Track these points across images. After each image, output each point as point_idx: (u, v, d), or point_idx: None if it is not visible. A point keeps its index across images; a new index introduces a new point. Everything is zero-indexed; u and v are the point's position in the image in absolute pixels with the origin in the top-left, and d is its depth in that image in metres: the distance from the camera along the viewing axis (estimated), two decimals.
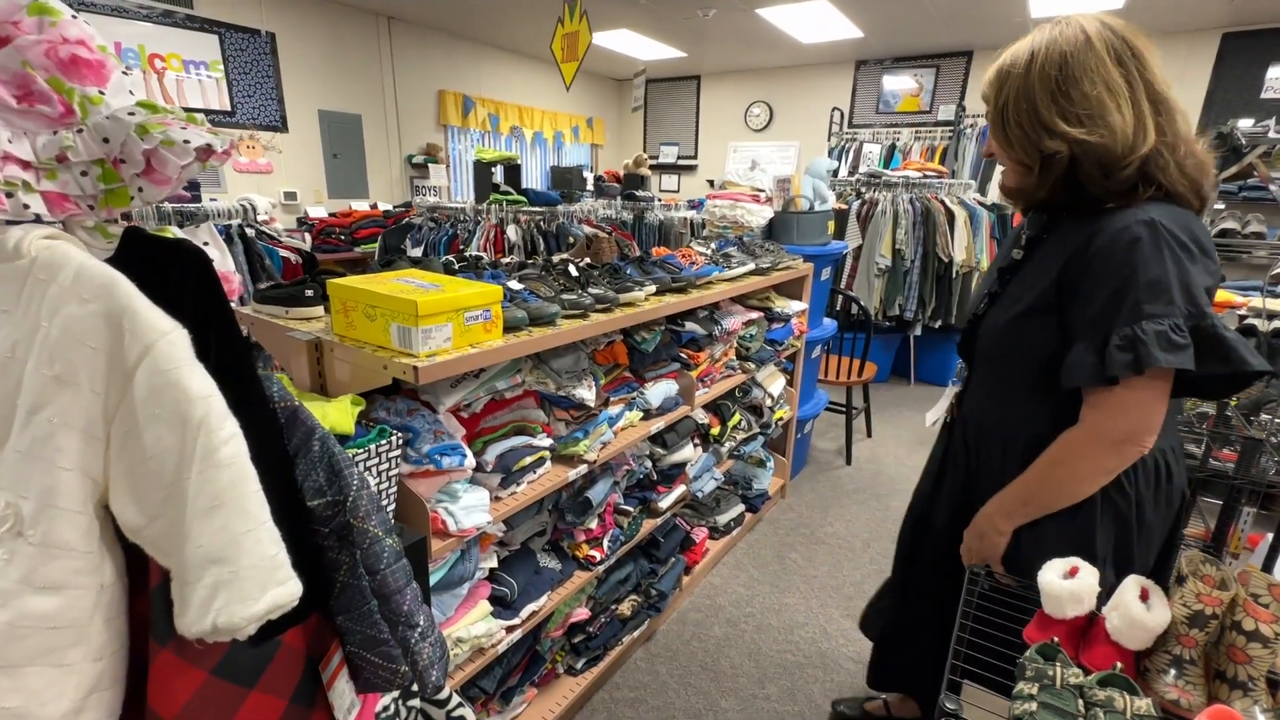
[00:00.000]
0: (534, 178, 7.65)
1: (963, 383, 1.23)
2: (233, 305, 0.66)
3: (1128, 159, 0.89)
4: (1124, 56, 0.91)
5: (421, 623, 0.71)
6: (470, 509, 1.22)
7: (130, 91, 0.53)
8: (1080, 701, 0.74)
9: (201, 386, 0.52)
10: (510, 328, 1.29)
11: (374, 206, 5.62)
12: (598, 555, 1.68)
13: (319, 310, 1.32)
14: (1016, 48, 0.97)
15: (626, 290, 1.60)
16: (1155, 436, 0.94)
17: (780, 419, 2.69)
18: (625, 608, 1.90)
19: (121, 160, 0.50)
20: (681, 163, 8.34)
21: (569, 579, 1.63)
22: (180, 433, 0.50)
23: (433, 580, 1.20)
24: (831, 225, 2.92)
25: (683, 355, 1.97)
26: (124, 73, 0.53)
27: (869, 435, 3.83)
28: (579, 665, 1.77)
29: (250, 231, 2.46)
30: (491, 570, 1.41)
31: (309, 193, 5.52)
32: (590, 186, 5.79)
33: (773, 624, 2.18)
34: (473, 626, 1.30)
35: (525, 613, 1.45)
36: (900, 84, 6.69)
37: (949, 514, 1.26)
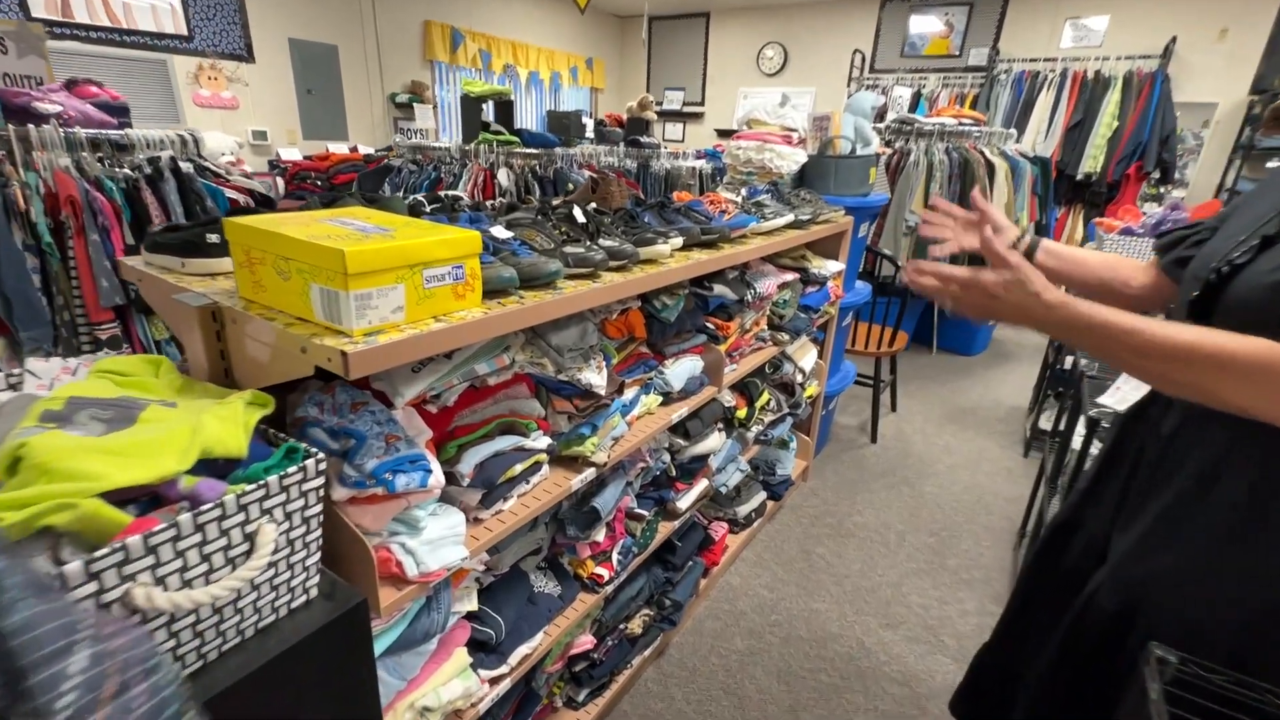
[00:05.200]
0: (529, 123, 7.11)
1: None
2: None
3: None
4: None
5: None
6: (437, 543, 0.89)
7: None
8: None
9: None
10: (493, 291, 0.93)
11: (354, 149, 5.13)
12: (606, 574, 1.36)
13: (229, 263, 0.96)
14: None
15: (648, 243, 1.23)
16: None
17: (809, 396, 2.36)
18: (636, 625, 1.60)
19: None
20: (687, 110, 7.78)
21: (571, 604, 1.31)
22: None
23: (383, 645, 0.87)
24: (873, 172, 2.52)
25: (710, 325, 1.61)
26: None
27: (893, 410, 3.52)
28: (581, 697, 1.48)
29: (188, 167, 2.05)
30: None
31: (281, 132, 5.02)
32: (590, 133, 5.31)
33: (802, 635, 1.89)
34: (445, 689, 0.98)
35: (515, 657, 1.13)
36: (928, 25, 6.13)
37: (1102, 522, 0.95)
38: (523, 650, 1.15)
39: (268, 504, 0.63)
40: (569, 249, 1.09)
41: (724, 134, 7.33)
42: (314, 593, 0.72)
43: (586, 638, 1.42)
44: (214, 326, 0.85)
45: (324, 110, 5.26)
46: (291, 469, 0.64)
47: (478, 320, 0.85)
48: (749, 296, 1.70)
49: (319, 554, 0.72)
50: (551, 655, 1.33)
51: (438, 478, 0.87)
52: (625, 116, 5.52)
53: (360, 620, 0.74)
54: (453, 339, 0.82)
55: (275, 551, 0.65)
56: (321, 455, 0.68)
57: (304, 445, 0.69)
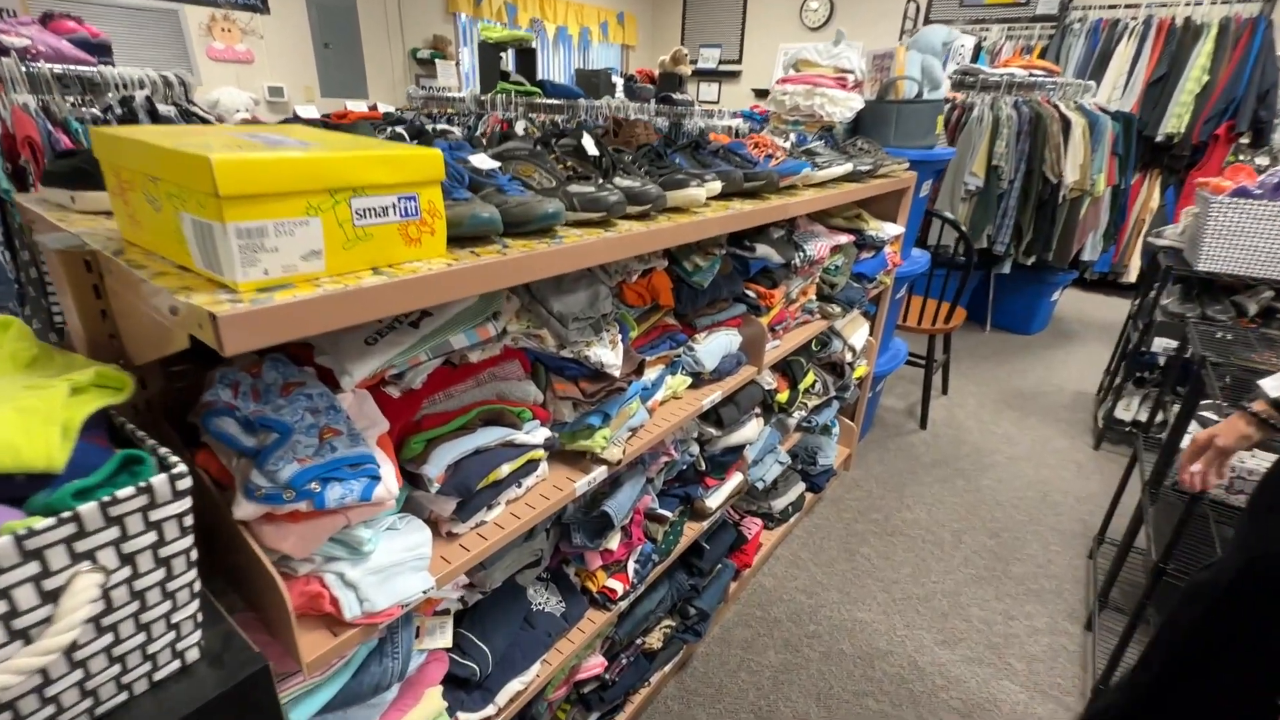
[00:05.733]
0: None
1: None
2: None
3: None
4: None
5: None
6: (390, 571, 0.67)
7: None
8: None
9: None
10: (467, 237, 0.69)
11: (373, 108, 4.91)
12: (620, 587, 1.14)
13: None
14: None
15: (678, 185, 0.97)
16: None
17: (858, 377, 2.09)
18: (655, 638, 1.39)
19: None
20: (723, 68, 7.33)
21: (577, 625, 1.10)
22: None
23: (317, 704, 0.66)
24: (940, 121, 2.19)
25: (750, 293, 1.35)
26: None
27: (944, 393, 3.21)
28: None
29: (169, 110, 1.84)
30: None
31: (298, 89, 4.81)
32: (620, 91, 4.99)
33: (844, 650, 1.66)
34: None
35: (505, 695, 0.93)
36: None
37: None
38: (515, 686, 0.94)
39: (84, 544, 0.41)
40: (574, 188, 0.84)
41: (761, 94, 6.89)
42: (192, 656, 0.51)
43: (596, 660, 1.21)
44: (90, 278, 0.63)
45: (342, 66, 5.04)
46: (124, 491, 0.42)
47: (438, 274, 0.61)
48: (797, 260, 1.43)
49: (195, 604, 0.50)
50: (553, 683, 1.13)
51: (389, 487, 0.65)
52: (657, 72, 5.16)
53: (261, 689, 0.53)
54: (397, 300, 0.58)
55: (108, 611, 0.43)
56: (183, 469, 0.45)
57: (161, 452, 0.47)
